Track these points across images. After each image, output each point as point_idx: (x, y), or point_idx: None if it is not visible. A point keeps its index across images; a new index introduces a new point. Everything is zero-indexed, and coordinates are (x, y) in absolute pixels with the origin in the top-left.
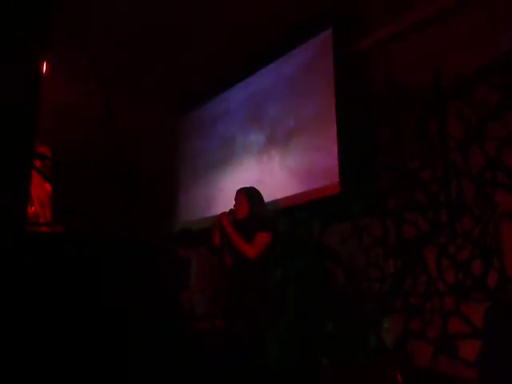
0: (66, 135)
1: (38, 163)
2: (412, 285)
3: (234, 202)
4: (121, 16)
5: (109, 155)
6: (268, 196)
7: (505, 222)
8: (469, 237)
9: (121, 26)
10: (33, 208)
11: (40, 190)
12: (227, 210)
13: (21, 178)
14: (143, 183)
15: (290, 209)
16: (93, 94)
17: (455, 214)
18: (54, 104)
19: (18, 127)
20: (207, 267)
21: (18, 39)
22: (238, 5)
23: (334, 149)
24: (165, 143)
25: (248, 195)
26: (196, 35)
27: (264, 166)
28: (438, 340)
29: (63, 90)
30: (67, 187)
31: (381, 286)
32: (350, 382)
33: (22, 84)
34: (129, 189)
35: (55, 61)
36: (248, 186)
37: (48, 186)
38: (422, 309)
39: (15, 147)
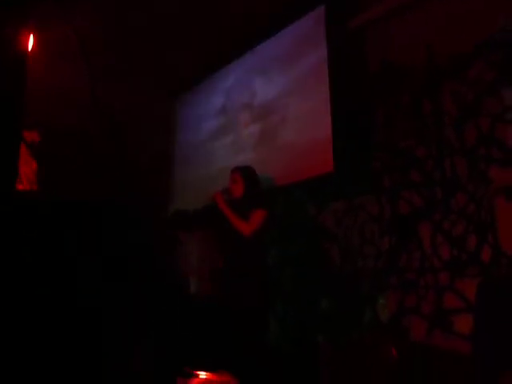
0: (57, 118)
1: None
2: (407, 261)
3: (228, 182)
4: None
5: (102, 140)
6: (263, 175)
7: (499, 197)
8: (463, 213)
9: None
10: (21, 186)
11: (28, 168)
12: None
13: (8, 159)
14: (138, 167)
15: (285, 187)
16: (83, 75)
17: (450, 191)
18: (47, 86)
19: (4, 108)
20: (205, 249)
21: (1, 17)
22: None
23: (328, 126)
24: (161, 126)
25: (243, 174)
26: (190, 17)
27: (258, 145)
28: (433, 315)
29: (55, 71)
30: (60, 172)
31: (376, 263)
32: (348, 360)
33: (6, 64)
34: (124, 174)
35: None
36: (243, 165)
37: (34, 164)
38: (417, 285)
39: (1, 128)
